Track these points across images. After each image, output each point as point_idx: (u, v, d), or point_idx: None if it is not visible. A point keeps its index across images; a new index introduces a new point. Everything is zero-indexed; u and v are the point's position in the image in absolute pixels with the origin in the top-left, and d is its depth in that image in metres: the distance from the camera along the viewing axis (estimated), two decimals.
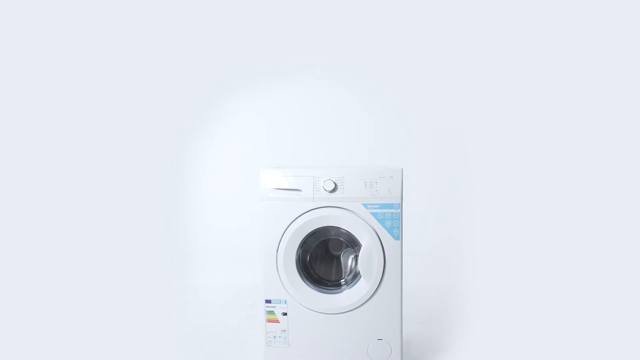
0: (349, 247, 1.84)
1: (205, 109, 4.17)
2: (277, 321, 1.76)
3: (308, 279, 1.78)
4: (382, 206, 1.70)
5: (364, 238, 1.70)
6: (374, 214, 1.70)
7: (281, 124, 4.10)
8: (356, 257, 1.75)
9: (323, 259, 1.89)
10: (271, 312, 1.77)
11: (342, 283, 1.83)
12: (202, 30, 3.66)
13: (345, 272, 1.86)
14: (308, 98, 4.10)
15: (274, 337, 1.77)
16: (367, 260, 1.70)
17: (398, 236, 1.71)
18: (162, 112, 3.82)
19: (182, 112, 4.04)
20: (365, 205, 1.70)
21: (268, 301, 1.76)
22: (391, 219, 1.70)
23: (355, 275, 1.78)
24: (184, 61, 3.77)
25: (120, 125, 3.29)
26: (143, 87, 3.56)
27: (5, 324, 1.93)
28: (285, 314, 1.76)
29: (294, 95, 4.11)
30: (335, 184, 1.70)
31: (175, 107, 3.95)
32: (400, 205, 1.71)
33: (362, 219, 1.70)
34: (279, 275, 1.74)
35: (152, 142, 3.72)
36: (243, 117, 4.14)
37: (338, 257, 1.89)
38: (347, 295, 1.74)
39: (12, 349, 1.82)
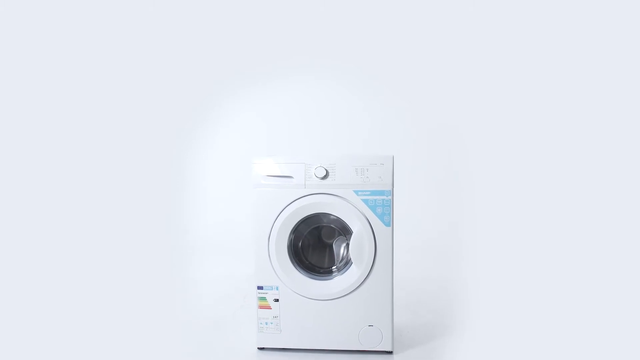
0: (341, 235, 1.85)
1: (205, 109, 4.22)
2: (269, 307, 1.77)
3: (299, 266, 1.79)
4: (373, 193, 1.71)
5: (355, 224, 1.71)
6: (365, 201, 1.72)
7: (281, 124, 4.13)
8: (348, 245, 1.76)
9: (315, 247, 1.90)
10: (263, 299, 1.78)
11: (334, 270, 1.84)
12: (202, 30, 3.71)
13: (337, 260, 1.87)
14: (308, 98, 4.14)
15: (266, 323, 1.78)
16: (358, 246, 1.71)
17: (389, 223, 1.72)
18: (163, 112, 3.86)
19: (182, 112, 4.08)
20: (356, 192, 1.72)
21: (260, 287, 1.78)
22: (382, 205, 1.71)
23: (347, 263, 1.79)
24: (184, 61, 3.81)
25: (121, 125, 3.33)
26: (144, 87, 3.61)
27: (8, 317, 1.95)
28: (277, 300, 1.77)
29: (294, 95, 4.15)
30: (326, 170, 1.72)
31: (176, 107, 3.99)
32: (392, 192, 1.72)
33: (353, 205, 1.71)
34: (271, 262, 1.75)
35: (153, 142, 3.76)
36: (243, 117, 4.18)
37: (331, 246, 1.90)
38: (339, 282, 1.75)
39: (13, 342, 1.84)
